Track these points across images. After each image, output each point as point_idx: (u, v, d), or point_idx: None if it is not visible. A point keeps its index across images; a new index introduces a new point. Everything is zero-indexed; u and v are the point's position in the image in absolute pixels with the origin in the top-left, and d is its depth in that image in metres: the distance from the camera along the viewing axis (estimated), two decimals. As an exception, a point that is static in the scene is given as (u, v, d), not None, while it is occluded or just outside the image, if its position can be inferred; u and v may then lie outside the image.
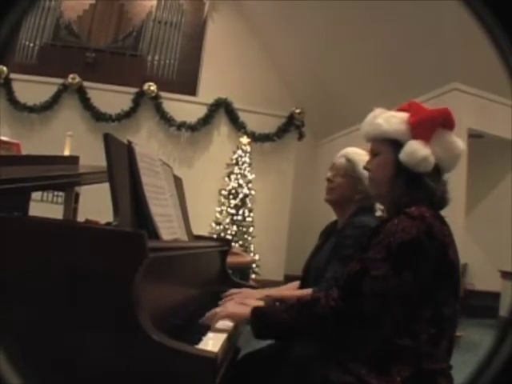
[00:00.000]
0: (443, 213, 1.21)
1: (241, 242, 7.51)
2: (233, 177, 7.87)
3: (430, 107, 1.28)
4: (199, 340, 1.12)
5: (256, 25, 9.63)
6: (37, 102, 7.88)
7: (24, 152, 3.23)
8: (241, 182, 7.82)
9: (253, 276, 6.93)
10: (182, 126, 8.23)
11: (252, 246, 7.68)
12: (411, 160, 1.19)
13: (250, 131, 8.27)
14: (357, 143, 1.75)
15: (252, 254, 7.34)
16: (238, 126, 8.34)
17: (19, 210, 1.90)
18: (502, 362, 0.61)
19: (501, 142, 6.41)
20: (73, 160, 2.22)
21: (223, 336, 1.18)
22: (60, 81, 8.04)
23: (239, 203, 7.75)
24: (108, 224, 1.21)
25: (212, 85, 9.06)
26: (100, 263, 0.95)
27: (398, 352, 1.09)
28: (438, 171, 1.23)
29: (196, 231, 2.03)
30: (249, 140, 8.05)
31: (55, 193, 3.49)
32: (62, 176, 1.70)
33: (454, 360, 1.17)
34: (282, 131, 8.43)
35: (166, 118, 8.21)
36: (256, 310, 1.20)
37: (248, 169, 7.90)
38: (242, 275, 3.62)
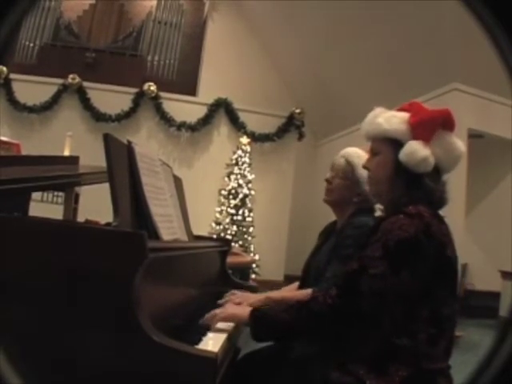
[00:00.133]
0: (443, 213, 1.21)
1: (241, 242, 7.51)
2: (233, 177, 7.87)
3: (430, 107, 1.28)
4: (199, 340, 1.12)
5: (256, 25, 9.63)
6: (37, 102, 7.89)
7: (24, 152, 3.23)
8: (241, 182, 7.82)
9: (253, 276, 6.93)
10: (181, 126, 8.23)
11: (252, 246, 7.68)
12: (411, 160, 1.19)
13: (250, 131, 8.27)
14: (357, 143, 1.75)
15: (252, 254, 7.34)
16: (237, 126, 8.35)
17: (19, 210, 1.90)
18: (502, 362, 0.61)
19: (501, 141, 6.41)
20: (73, 160, 2.22)
21: (223, 336, 1.18)
22: (60, 81, 8.04)
23: (239, 203, 7.76)
24: (108, 224, 1.21)
25: (212, 85, 9.06)
26: (100, 263, 0.95)
27: (397, 352, 1.09)
28: (437, 172, 1.23)
29: (196, 231, 2.03)
30: (249, 140, 8.05)
31: (55, 193, 3.49)
32: (62, 176, 1.70)
33: (454, 360, 1.17)
34: (281, 131, 8.43)
35: (165, 118, 8.21)
36: (255, 311, 1.20)
37: (248, 169, 7.91)
38: (241, 275, 3.62)
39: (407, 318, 1.10)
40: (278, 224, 8.30)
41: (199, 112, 8.31)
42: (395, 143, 1.23)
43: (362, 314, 1.10)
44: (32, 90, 7.86)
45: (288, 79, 9.77)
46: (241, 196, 7.77)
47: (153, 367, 0.90)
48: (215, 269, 2.02)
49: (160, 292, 1.18)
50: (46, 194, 3.52)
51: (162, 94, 8.31)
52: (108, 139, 1.17)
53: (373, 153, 1.31)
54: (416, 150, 1.18)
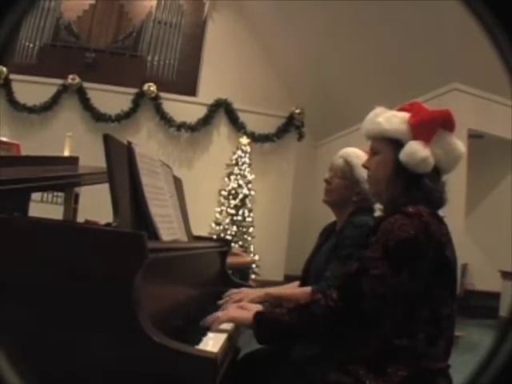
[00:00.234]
0: (443, 213, 1.21)
1: (241, 243, 7.51)
2: (232, 177, 7.88)
3: (430, 108, 1.28)
4: (199, 340, 1.12)
5: (256, 25, 9.63)
6: (36, 102, 7.89)
7: (24, 152, 3.23)
8: (240, 182, 7.83)
9: (253, 276, 6.94)
10: (181, 126, 8.23)
11: (252, 247, 7.68)
12: (411, 160, 1.19)
13: (250, 131, 8.28)
14: (357, 143, 1.75)
15: (252, 255, 7.34)
16: (237, 126, 8.35)
17: (19, 210, 1.90)
18: (502, 362, 0.61)
19: (501, 142, 6.42)
20: (72, 160, 2.22)
21: (223, 336, 1.18)
22: (60, 81, 8.05)
23: (239, 203, 7.76)
24: (108, 225, 1.21)
25: (212, 85, 9.06)
26: (100, 264, 0.95)
27: (396, 352, 1.09)
28: (437, 172, 1.23)
29: (196, 232, 2.03)
30: (248, 140, 8.06)
31: (55, 193, 3.50)
32: (62, 176, 1.70)
33: (454, 360, 1.17)
34: (281, 131, 8.44)
35: (165, 119, 8.22)
36: (257, 315, 1.20)
37: (248, 169, 7.91)
38: (241, 275, 3.62)
39: (407, 318, 1.10)
40: (278, 224, 8.30)
41: (199, 112, 8.31)
42: (395, 143, 1.23)
43: (364, 316, 1.10)
44: (32, 90, 7.86)
45: (288, 79, 9.77)
46: (241, 196, 7.78)
47: (153, 367, 0.90)
48: (215, 269, 2.02)
49: (160, 292, 1.18)
50: (45, 195, 3.53)
51: (162, 94, 8.31)
52: (108, 140, 1.17)
53: (373, 152, 1.31)
54: (416, 151, 1.18)
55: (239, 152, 7.96)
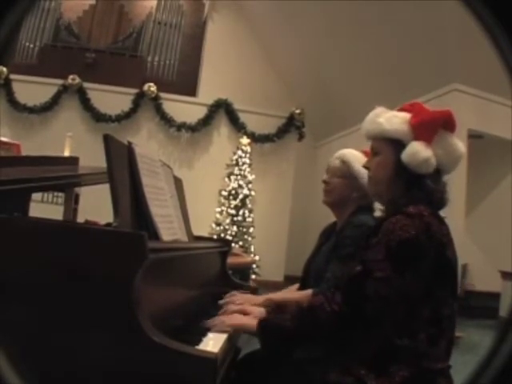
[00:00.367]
0: (443, 213, 1.21)
1: (241, 243, 7.51)
2: (233, 177, 7.88)
3: (430, 108, 1.28)
4: (199, 341, 1.12)
5: (256, 25, 9.63)
6: (37, 102, 7.90)
7: (24, 153, 3.23)
8: (241, 182, 7.83)
9: (253, 277, 6.93)
10: (182, 126, 8.24)
11: (252, 247, 7.69)
12: (413, 161, 1.19)
13: (250, 132, 8.28)
14: (357, 144, 1.75)
15: (252, 255, 7.34)
16: (238, 126, 8.35)
17: (19, 210, 1.90)
18: (502, 362, 0.61)
19: (501, 142, 6.42)
20: (73, 161, 2.21)
21: (223, 336, 1.18)
22: (60, 81, 8.06)
23: (239, 204, 7.76)
24: (108, 225, 1.21)
25: (212, 85, 9.07)
26: (100, 264, 0.95)
27: (397, 352, 1.09)
28: (438, 173, 1.23)
29: (196, 232, 2.03)
30: (249, 141, 8.06)
31: (55, 193, 3.50)
32: (62, 177, 1.69)
33: (454, 361, 1.17)
34: (281, 132, 8.44)
35: (166, 119, 8.22)
36: (262, 322, 1.19)
37: (248, 169, 7.91)
38: (242, 276, 3.61)
39: (408, 318, 1.10)
40: (278, 224, 8.31)
41: (199, 112, 8.31)
42: (396, 143, 1.23)
43: (367, 318, 1.09)
44: (32, 90, 7.86)
45: (288, 79, 9.77)
46: (241, 196, 7.78)
47: (153, 368, 0.90)
48: (215, 269, 2.01)
49: (160, 292, 1.18)
50: (46, 195, 3.53)
51: (162, 94, 8.32)
52: (108, 140, 1.17)
53: (373, 152, 1.31)
54: (418, 151, 1.18)
55: (239, 152, 7.97)
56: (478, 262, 7.43)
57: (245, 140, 8.03)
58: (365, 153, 1.66)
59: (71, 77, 8.04)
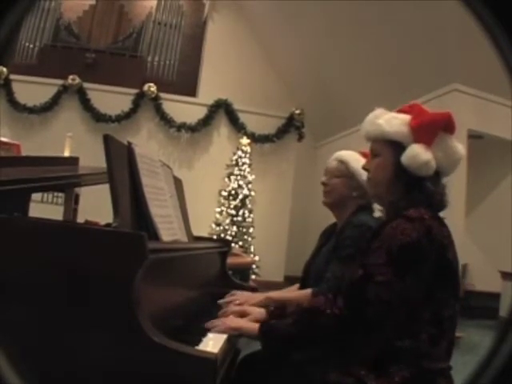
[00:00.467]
0: (443, 214, 1.21)
1: (241, 243, 7.51)
2: (233, 178, 7.88)
3: (430, 108, 1.28)
4: (199, 341, 1.12)
5: (256, 25, 9.63)
6: (37, 102, 7.89)
7: (24, 153, 3.23)
8: (241, 182, 7.83)
9: (253, 277, 6.93)
10: (181, 127, 8.23)
11: (252, 247, 7.68)
12: (413, 164, 1.19)
13: (250, 132, 8.28)
14: (357, 144, 1.75)
15: (252, 255, 7.34)
16: (237, 126, 8.35)
17: (19, 210, 1.90)
18: (502, 362, 0.60)
19: (501, 142, 6.41)
20: (73, 161, 2.21)
21: (223, 337, 1.18)
22: (60, 82, 8.05)
23: (239, 204, 7.76)
24: (108, 225, 1.21)
25: (212, 86, 9.07)
26: (100, 264, 0.95)
27: (398, 353, 1.09)
28: (437, 175, 1.23)
29: (196, 232, 2.03)
30: (249, 141, 8.06)
31: (55, 194, 3.50)
32: (62, 177, 1.70)
33: (454, 361, 1.17)
34: (281, 132, 8.44)
35: (165, 119, 8.22)
36: (263, 327, 1.19)
37: (248, 170, 7.91)
38: (241, 276, 3.61)
39: (409, 320, 1.11)
40: (278, 225, 8.30)
41: (199, 113, 8.31)
42: (396, 145, 1.23)
43: (368, 322, 1.09)
44: (32, 90, 7.86)
45: (288, 79, 9.77)
46: (241, 197, 7.78)
47: (153, 368, 0.90)
48: (215, 270, 2.01)
49: (160, 293, 1.18)
50: (46, 195, 3.53)
51: (162, 94, 8.31)
52: (108, 140, 1.17)
53: (373, 154, 1.31)
54: (418, 154, 1.18)
55: (239, 152, 7.96)
56: (478, 262, 7.43)
57: (245, 140, 8.03)
58: (363, 154, 1.66)
59: (71, 77, 8.04)
